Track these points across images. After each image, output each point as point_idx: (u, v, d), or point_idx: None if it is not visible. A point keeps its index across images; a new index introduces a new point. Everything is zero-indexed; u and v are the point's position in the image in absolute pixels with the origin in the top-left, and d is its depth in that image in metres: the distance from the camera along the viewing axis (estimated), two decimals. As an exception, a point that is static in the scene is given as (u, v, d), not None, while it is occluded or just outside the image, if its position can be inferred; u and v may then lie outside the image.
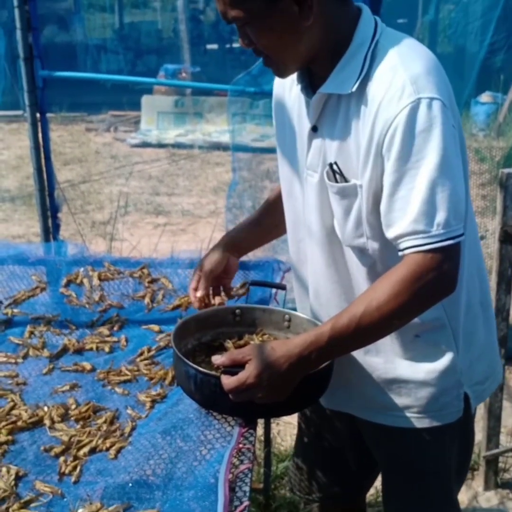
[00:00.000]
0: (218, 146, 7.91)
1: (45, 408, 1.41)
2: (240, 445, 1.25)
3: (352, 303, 1.24)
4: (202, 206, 5.97)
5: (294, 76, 1.35)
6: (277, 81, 1.44)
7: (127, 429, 1.35)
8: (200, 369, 1.30)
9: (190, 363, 1.32)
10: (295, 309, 1.59)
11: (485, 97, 8.27)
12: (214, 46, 12.99)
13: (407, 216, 1.17)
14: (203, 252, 2.72)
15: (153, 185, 6.56)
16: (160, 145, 8.10)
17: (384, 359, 1.40)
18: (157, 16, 15.00)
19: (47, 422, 1.37)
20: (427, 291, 1.18)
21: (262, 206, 1.70)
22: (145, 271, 2.08)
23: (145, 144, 8.20)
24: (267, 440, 2.31)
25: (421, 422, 1.40)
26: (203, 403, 1.35)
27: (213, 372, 1.30)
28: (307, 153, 1.34)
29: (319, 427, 1.67)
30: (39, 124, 3.17)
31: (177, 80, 8.91)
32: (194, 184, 6.68)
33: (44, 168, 3.22)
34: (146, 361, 1.62)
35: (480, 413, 2.49)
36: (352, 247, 1.34)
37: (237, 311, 1.57)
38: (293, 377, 1.23)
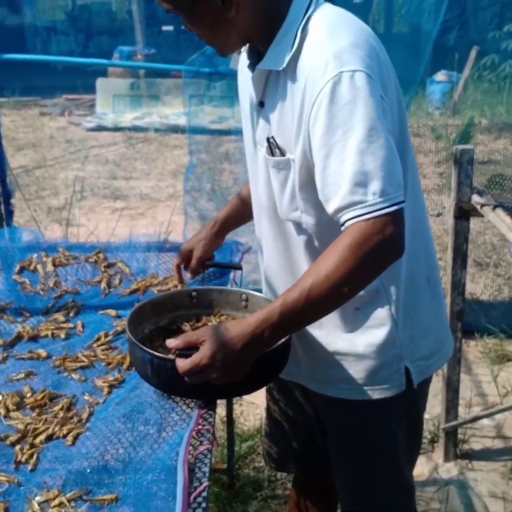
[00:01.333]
0: (175, 129, 7.83)
1: (0, 397, 1.39)
2: (200, 427, 1.25)
3: (301, 276, 1.23)
4: (161, 190, 5.91)
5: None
6: (241, 59, 1.46)
7: (85, 415, 1.33)
8: (155, 353, 1.29)
9: (145, 348, 1.30)
10: (254, 290, 1.58)
11: (440, 75, 8.36)
12: (170, 28, 12.81)
13: (342, 189, 1.18)
14: (162, 236, 2.70)
15: (110, 169, 6.46)
16: (116, 129, 7.99)
17: (326, 332, 1.42)
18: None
19: (1, 410, 1.34)
20: (373, 255, 1.18)
21: (245, 189, 1.73)
22: (101, 255, 2.05)
23: (100, 128, 8.08)
24: (230, 421, 2.32)
25: (362, 395, 1.42)
26: (161, 387, 1.34)
27: (168, 356, 1.29)
28: (256, 128, 1.38)
29: (281, 397, 1.68)
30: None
31: (132, 62, 8.77)
32: (152, 168, 6.60)
33: (-5, 154, 3.13)
34: (103, 347, 1.59)
35: (439, 386, 2.54)
36: (290, 221, 1.37)
37: (194, 293, 1.56)
38: (247, 356, 1.23)
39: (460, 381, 2.53)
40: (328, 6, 1.28)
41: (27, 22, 11.33)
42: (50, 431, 1.28)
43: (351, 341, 1.40)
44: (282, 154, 1.31)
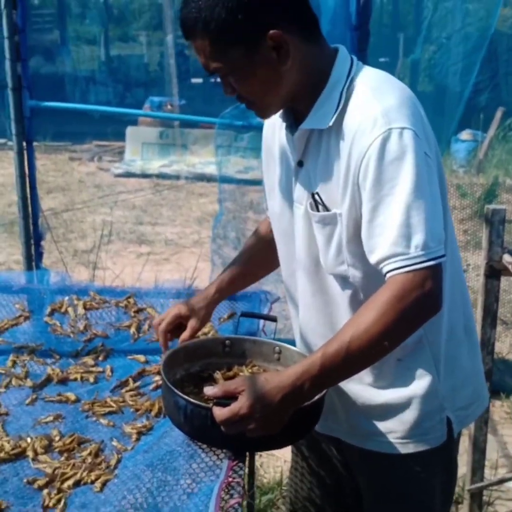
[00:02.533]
0: (202, 178, 7.95)
1: (28, 439, 1.38)
2: (230, 479, 1.23)
3: (341, 329, 1.25)
4: (186, 236, 5.96)
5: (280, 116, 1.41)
6: (267, 121, 1.50)
7: (113, 462, 1.32)
8: (191, 399, 1.28)
9: (181, 394, 1.30)
10: (285, 342, 1.58)
11: (466, 134, 8.43)
12: (199, 80, 13.14)
13: (386, 240, 1.21)
14: (187, 282, 2.71)
15: (137, 214, 6.55)
16: (144, 175, 8.13)
17: (367, 385, 1.41)
18: (143, 49, 15.20)
19: (30, 453, 1.34)
20: (412, 310, 1.20)
21: (246, 250, 1.71)
22: (131, 300, 2.06)
23: (129, 174, 8.22)
24: (251, 472, 2.27)
25: (405, 447, 1.40)
26: (193, 434, 1.33)
27: (204, 404, 1.28)
28: (294, 187, 1.40)
29: (311, 454, 1.65)
30: (25, 153, 3.17)
31: (162, 112, 8.98)
32: (178, 214, 6.68)
33: (28, 197, 3.20)
34: (131, 392, 1.59)
35: (465, 446, 2.48)
36: (335, 276, 1.38)
37: (227, 342, 1.55)
38: (286, 408, 1.22)
39: (487, 441, 2.47)
40: (369, 68, 1.34)
41: (63, 70, 11.72)
42: (78, 476, 1.27)
43: (393, 393, 1.39)
44: (327, 209, 1.33)
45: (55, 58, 12.98)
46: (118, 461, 1.33)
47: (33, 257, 3.19)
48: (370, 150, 1.21)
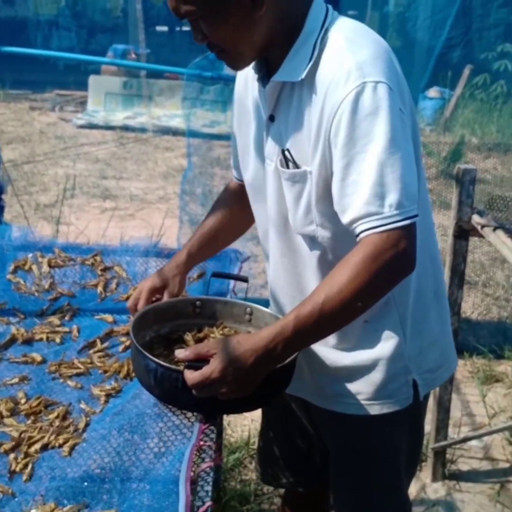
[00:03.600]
0: (167, 131, 7.79)
1: (-7, 402, 1.34)
2: (201, 443, 1.22)
3: (314, 290, 1.23)
4: (151, 191, 5.86)
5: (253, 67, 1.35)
6: (239, 73, 1.45)
7: (81, 425, 1.29)
8: (162, 363, 1.26)
9: (151, 357, 1.27)
10: (253, 301, 1.56)
11: (433, 92, 8.41)
12: (164, 28, 12.79)
13: (359, 200, 1.18)
14: (154, 239, 2.66)
15: (100, 168, 6.40)
16: (108, 127, 7.92)
17: (332, 346, 1.40)
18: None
19: (-5, 416, 1.30)
20: (387, 270, 1.18)
21: (216, 212, 1.65)
22: (98, 258, 2.01)
23: (91, 126, 8.01)
24: (219, 432, 2.28)
25: (371, 409, 1.40)
26: (163, 398, 1.31)
27: (175, 366, 1.26)
28: (265, 142, 1.36)
29: (280, 413, 1.65)
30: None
31: (126, 60, 8.72)
32: (143, 169, 6.55)
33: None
34: (99, 353, 1.56)
35: (429, 405, 2.53)
36: (303, 235, 1.35)
37: (198, 302, 1.52)
38: (259, 371, 1.21)
39: (451, 400, 2.53)
40: (344, 19, 1.29)
41: (20, 15, 11.25)
42: (45, 440, 1.24)
43: (359, 355, 1.38)
44: (297, 166, 1.29)
45: (14, 0, 12.46)
46: (87, 424, 1.30)
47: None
48: (343, 105, 1.17)
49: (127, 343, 1.59)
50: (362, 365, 1.39)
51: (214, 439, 1.24)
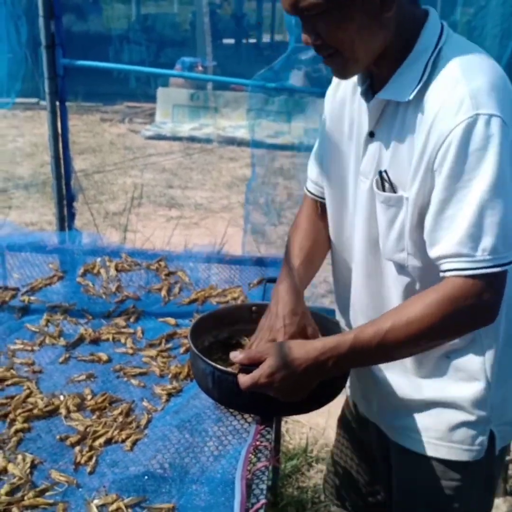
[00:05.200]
0: (232, 141, 7.91)
1: (61, 397, 1.41)
2: (257, 443, 1.24)
3: (381, 315, 1.19)
4: (215, 201, 5.96)
5: (354, 79, 1.30)
6: (333, 84, 1.39)
7: (143, 422, 1.35)
8: (218, 366, 1.29)
9: (208, 361, 1.30)
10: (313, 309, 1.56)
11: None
12: (231, 41, 12.99)
13: (452, 237, 1.12)
14: (217, 247, 2.72)
15: (167, 177, 6.56)
16: (175, 138, 8.11)
17: (407, 378, 1.34)
18: (174, 8, 15.04)
19: (63, 411, 1.37)
20: (462, 317, 1.13)
21: (304, 240, 1.49)
22: (162, 263, 2.07)
23: (159, 137, 8.21)
24: (277, 438, 2.31)
25: (437, 450, 1.31)
26: (220, 400, 1.35)
27: (230, 370, 1.29)
28: (362, 158, 1.30)
29: (356, 432, 1.62)
30: (58, 112, 3.17)
31: (194, 73, 8.92)
32: (208, 178, 6.67)
33: (61, 157, 3.21)
34: (162, 354, 1.61)
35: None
36: (393, 262, 1.28)
37: (254, 308, 1.54)
38: (307, 380, 1.20)
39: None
40: (459, 38, 1.22)
41: (95, 29, 11.67)
42: (109, 434, 1.30)
43: (438, 390, 1.30)
44: (394, 190, 1.23)
45: (87, 16, 12.94)
46: (148, 421, 1.35)
47: (65, 218, 3.21)
48: (452, 135, 1.10)
49: (188, 345, 1.64)
50: (438, 401, 1.31)
51: (270, 440, 1.27)
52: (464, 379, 1.29)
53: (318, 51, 1.20)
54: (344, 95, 1.36)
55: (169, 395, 1.45)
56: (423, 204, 1.18)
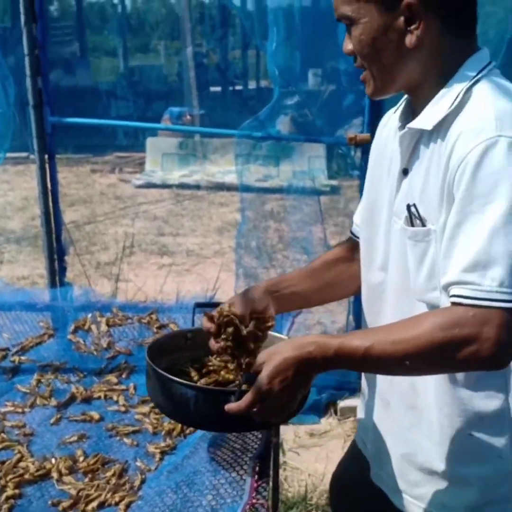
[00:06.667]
0: (221, 187, 7.98)
1: (53, 460, 1.39)
2: (253, 500, 1.23)
3: (375, 328, 1.14)
4: (207, 246, 5.98)
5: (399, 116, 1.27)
6: (381, 123, 1.37)
7: (137, 482, 1.33)
8: (202, 386, 1.27)
9: (190, 383, 1.26)
10: None
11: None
12: (217, 89, 13.21)
13: (459, 264, 1.04)
14: (209, 293, 2.72)
15: (158, 225, 6.58)
16: (165, 186, 8.17)
17: (430, 450, 1.25)
18: (161, 60, 15.35)
19: (54, 474, 1.35)
20: (453, 348, 1.02)
21: (317, 260, 1.52)
22: (154, 316, 2.07)
23: (149, 185, 8.27)
24: (275, 487, 2.26)
25: None
26: (200, 423, 1.28)
27: (218, 388, 1.27)
28: (395, 198, 1.24)
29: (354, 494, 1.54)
30: (47, 167, 3.20)
31: (182, 122, 9.05)
32: (199, 224, 6.70)
33: (51, 211, 3.23)
34: (155, 410, 1.59)
35: None
36: (425, 303, 1.18)
37: (189, 335, 1.48)
38: (303, 379, 1.12)
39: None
40: (500, 75, 1.17)
41: (81, 84, 11.86)
42: (102, 498, 1.28)
43: (457, 466, 1.22)
44: (423, 224, 1.15)
45: (75, 70, 13.15)
46: (142, 481, 1.33)
47: (56, 272, 3.21)
48: (470, 155, 1.03)
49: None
50: (456, 476, 1.23)
51: (267, 497, 1.25)
52: (487, 456, 1.20)
53: (355, 63, 1.21)
54: (388, 133, 1.31)
55: (163, 453, 1.43)
56: None
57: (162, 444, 1.45)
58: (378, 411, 1.36)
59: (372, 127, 2.88)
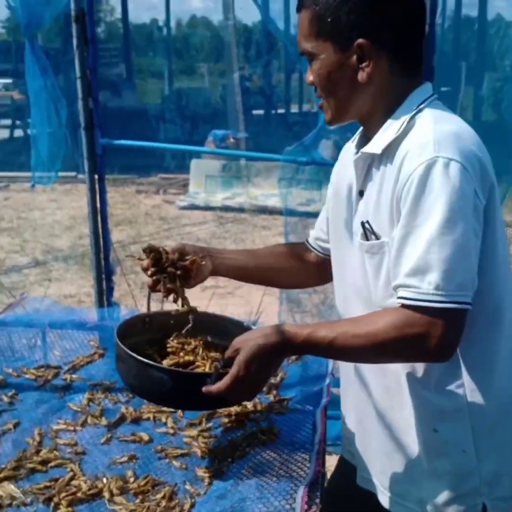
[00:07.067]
0: (264, 210, 8.01)
1: (104, 480, 1.41)
2: (303, 530, 1.22)
3: (338, 320, 1.31)
4: (249, 269, 6.00)
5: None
6: (343, 148, 1.50)
7: (187, 506, 1.33)
8: (184, 371, 1.40)
9: (173, 369, 1.39)
10: None
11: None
12: (260, 112, 13.34)
13: (403, 269, 1.18)
14: (252, 317, 2.73)
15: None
16: (208, 208, 8.26)
17: (403, 448, 1.36)
18: (205, 82, 15.60)
19: (106, 494, 1.36)
20: (407, 345, 1.19)
21: (266, 247, 1.77)
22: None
23: (193, 207, 8.37)
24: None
25: None
26: (175, 403, 1.42)
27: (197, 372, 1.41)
28: (354, 217, 1.38)
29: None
30: (96, 188, 3.27)
31: (225, 145, 9.16)
32: (241, 247, 6.74)
33: (100, 231, 3.29)
34: (204, 433, 1.60)
35: None
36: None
37: (147, 319, 1.57)
38: (273, 363, 1.29)
39: None
40: (441, 105, 1.31)
41: (127, 105, 12.13)
42: (153, 520, 1.28)
43: (428, 463, 1.33)
44: (377, 238, 1.29)
45: (121, 92, 13.47)
46: (192, 505, 1.34)
47: (104, 291, 3.27)
48: (413, 175, 1.17)
49: (228, 424, 1.64)
50: (428, 473, 1.33)
51: (316, 526, 1.24)
52: (450, 451, 1.31)
53: (316, 94, 1.35)
54: (347, 162, 1.43)
55: (212, 477, 1.43)
56: None
57: (211, 469, 1.45)
58: (358, 418, 1.49)
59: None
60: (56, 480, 1.40)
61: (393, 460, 1.38)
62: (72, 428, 1.63)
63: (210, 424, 1.65)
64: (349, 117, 1.35)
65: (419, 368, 1.29)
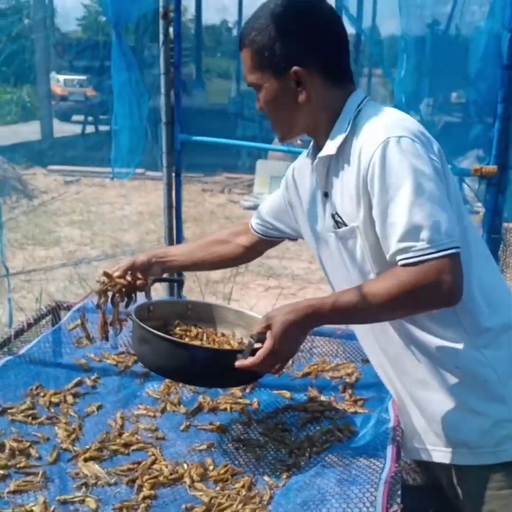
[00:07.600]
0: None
1: (185, 466, 1.43)
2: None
3: (355, 287, 1.38)
4: (312, 272, 5.98)
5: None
6: (297, 164, 1.68)
7: (266, 497, 1.34)
8: (218, 348, 1.56)
9: (200, 345, 1.54)
10: None
11: None
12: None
13: (395, 238, 1.31)
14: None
15: (265, 247, 6.66)
16: (272, 209, 8.28)
17: (434, 393, 1.49)
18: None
19: (187, 480, 1.39)
20: (421, 295, 1.31)
21: (208, 238, 1.96)
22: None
23: (257, 207, 8.38)
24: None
25: (478, 459, 1.46)
26: (204, 380, 1.51)
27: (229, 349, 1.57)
28: (324, 218, 1.53)
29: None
30: (173, 184, 3.34)
31: (293, 146, 9.17)
32: (304, 249, 6.72)
33: (174, 227, 3.36)
34: (280, 426, 1.61)
35: None
36: None
37: (151, 307, 1.69)
38: (300, 334, 1.39)
39: None
40: (376, 103, 1.48)
41: (196, 104, 12.31)
42: (234, 508, 1.30)
43: (459, 400, 1.47)
44: (346, 225, 1.45)
45: (191, 91, 13.67)
46: (271, 497, 1.35)
47: (175, 285, 3.32)
48: (374, 159, 1.33)
49: (304, 419, 1.64)
50: (462, 409, 1.46)
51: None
52: (479, 384, 1.45)
53: (266, 118, 1.51)
54: (305, 169, 1.61)
55: (290, 470, 1.44)
56: (372, 225, 1.38)
57: (289, 462, 1.46)
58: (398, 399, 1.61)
59: (500, 159, 2.81)
60: (139, 463, 1.44)
61: (432, 417, 1.51)
62: (152, 414, 1.67)
63: (285, 418, 1.66)
64: (297, 132, 1.51)
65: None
